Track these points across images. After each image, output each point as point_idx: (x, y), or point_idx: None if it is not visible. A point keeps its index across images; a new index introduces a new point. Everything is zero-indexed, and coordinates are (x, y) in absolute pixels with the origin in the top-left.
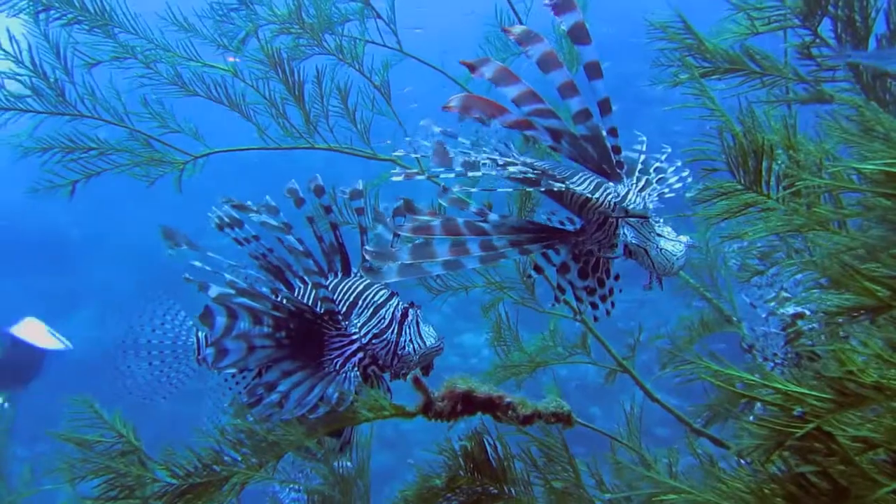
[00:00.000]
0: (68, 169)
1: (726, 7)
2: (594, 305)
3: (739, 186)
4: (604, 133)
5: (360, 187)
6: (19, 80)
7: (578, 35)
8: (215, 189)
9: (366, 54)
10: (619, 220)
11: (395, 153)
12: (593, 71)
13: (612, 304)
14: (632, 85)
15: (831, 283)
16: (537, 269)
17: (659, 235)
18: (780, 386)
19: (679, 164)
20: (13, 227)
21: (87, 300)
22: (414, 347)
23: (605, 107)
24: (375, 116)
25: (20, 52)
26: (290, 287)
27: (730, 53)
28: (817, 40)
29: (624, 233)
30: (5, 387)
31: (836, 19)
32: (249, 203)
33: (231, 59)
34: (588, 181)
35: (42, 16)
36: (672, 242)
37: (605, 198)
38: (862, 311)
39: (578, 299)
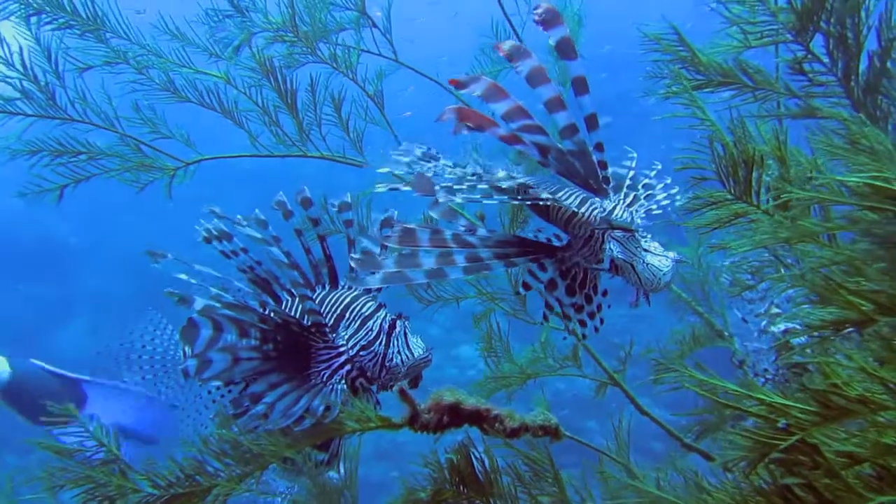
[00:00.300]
0: (57, 174)
1: (719, 20)
2: (582, 323)
3: (729, 196)
4: (590, 148)
5: (349, 199)
6: (9, 83)
7: (565, 50)
8: (212, 198)
9: (361, 63)
10: (606, 234)
11: (380, 170)
12: (580, 86)
13: (601, 321)
14: (632, 101)
15: (818, 297)
16: (525, 286)
17: (645, 251)
18: (764, 397)
19: (669, 180)
20: (10, 234)
21: (83, 308)
22: (402, 359)
23: (591, 122)
24: (370, 124)
25: (10, 55)
26: (278, 300)
27: (723, 67)
28: (809, 56)
29: (610, 248)
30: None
31: (829, 35)
32: (239, 217)
33: (231, 53)
34: (574, 196)
35: (33, 19)
36: (659, 257)
37: (592, 212)
38: (846, 325)
39: (566, 317)
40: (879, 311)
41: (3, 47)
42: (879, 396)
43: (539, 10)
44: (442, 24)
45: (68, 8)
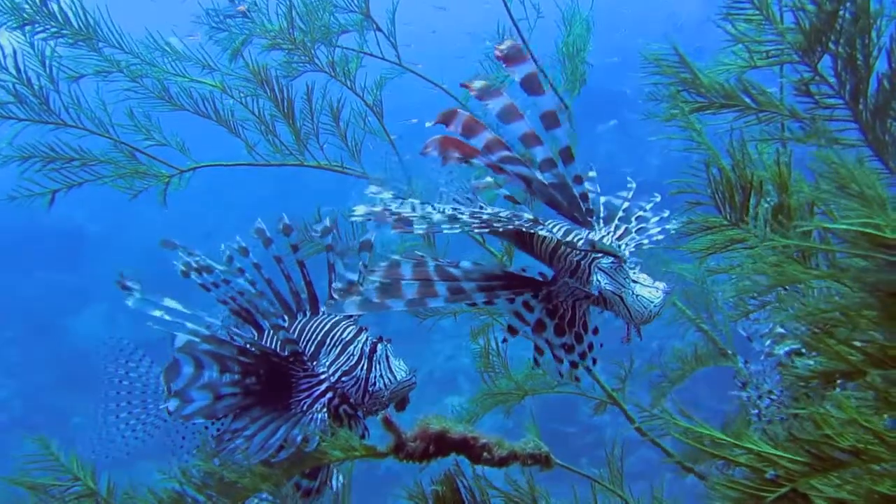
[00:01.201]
0: (50, 179)
1: (723, 38)
2: (574, 364)
3: (724, 222)
4: (569, 181)
5: (329, 224)
6: (2, 86)
7: (531, 86)
8: (229, 193)
9: (362, 68)
10: (592, 265)
11: (356, 213)
12: (550, 120)
13: (594, 361)
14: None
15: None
16: (511, 331)
17: (634, 281)
18: (752, 446)
19: (666, 213)
20: (28, 221)
21: (100, 295)
22: (384, 383)
23: (566, 155)
24: (371, 133)
25: (4, 57)
26: (261, 330)
27: (725, 88)
28: (816, 77)
29: (597, 279)
30: None
31: (837, 56)
32: (225, 250)
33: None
34: (558, 227)
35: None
36: (648, 288)
37: (576, 241)
38: (835, 377)
39: (558, 359)
40: (870, 362)
41: None
42: (872, 447)
43: (501, 47)
44: (446, 30)
45: (60, 18)
